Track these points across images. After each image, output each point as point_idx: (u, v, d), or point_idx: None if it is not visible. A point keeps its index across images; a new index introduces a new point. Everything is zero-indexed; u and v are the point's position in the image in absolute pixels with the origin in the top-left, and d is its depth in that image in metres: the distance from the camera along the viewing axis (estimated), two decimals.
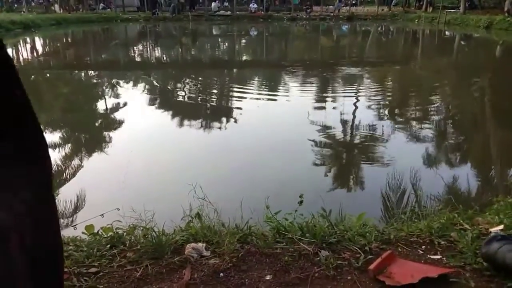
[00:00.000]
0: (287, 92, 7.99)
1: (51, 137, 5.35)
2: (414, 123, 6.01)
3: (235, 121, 6.00)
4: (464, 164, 4.60)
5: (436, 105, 7.11)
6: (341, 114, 6.47)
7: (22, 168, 0.75)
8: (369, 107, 6.95)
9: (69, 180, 4.12)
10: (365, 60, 13.82)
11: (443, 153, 4.85)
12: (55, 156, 4.65)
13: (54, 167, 4.40)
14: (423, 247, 1.90)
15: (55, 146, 5.02)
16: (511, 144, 5.29)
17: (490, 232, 1.99)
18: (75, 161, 4.58)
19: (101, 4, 36.09)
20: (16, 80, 0.76)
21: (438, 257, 1.80)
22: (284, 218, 2.22)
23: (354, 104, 7.08)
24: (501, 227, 2.06)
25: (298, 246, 1.87)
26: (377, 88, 8.68)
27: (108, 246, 1.92)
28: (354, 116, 6.33)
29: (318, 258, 1.78)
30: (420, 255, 1.83)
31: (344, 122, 6.04)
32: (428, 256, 1.81)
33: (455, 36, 21.40)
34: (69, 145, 5.17)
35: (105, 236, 2.03)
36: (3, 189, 0.71)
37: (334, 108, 6.83)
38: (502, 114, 6.63)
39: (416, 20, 27.78)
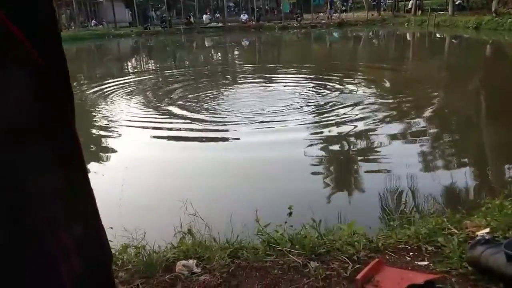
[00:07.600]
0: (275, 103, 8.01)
1: None
2: (407, 124, 6.04)
3: (225, 136, 6.02)
4: (455, 166, 4.63)
5: (429, 107, 7.17)
6: (335, 117, 6.51)
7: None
8: (363, 110, 7.01)
9: None
10: (359, 62, 13.97)
11: (435, 155, 4.88)
12: None
13: None
14: (411, 253, 1.92)
15: None
16: (502, 144, 5.33)
17: (477, 235, 2.02)
18: None
19: (93, 21, 36.32)
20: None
21: (425, 263, 1.83)
22: (275, 230, 2.25)
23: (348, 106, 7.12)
24: (487, 230, 2.09)
25: (287, 258, 1.90)
26: (373, 89, 8.71)
27: None
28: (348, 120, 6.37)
29: (307, 270, 1.80)
30: (407, 262, 1.85)
31: (335, 125, 6.08)
32: (416, 262, 1.84)
33: (446, 37, 21.63)
34: None
35: None
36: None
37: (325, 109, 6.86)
38: (494, 115, 6.69)
39: (406, 24, 28.12)
